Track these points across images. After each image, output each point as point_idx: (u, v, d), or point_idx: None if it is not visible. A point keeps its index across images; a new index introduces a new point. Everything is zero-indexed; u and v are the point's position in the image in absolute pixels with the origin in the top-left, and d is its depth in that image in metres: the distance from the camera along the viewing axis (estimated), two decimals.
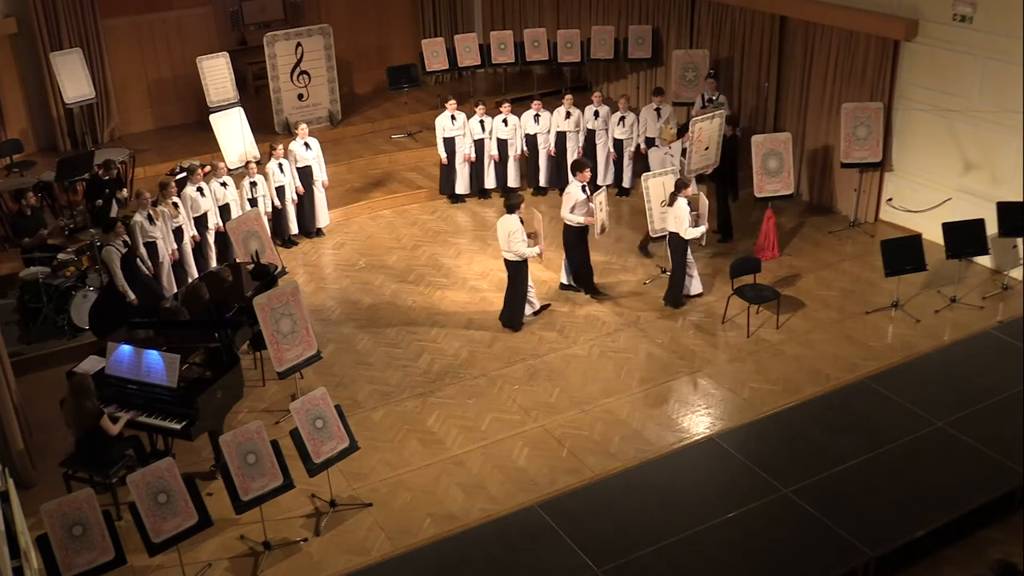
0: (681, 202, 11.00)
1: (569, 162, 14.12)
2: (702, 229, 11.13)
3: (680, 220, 11.00)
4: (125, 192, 12.92)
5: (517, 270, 10.98)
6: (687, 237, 11.05)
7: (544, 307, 11.46)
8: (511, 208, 10.85)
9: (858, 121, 12.42)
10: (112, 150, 14.25)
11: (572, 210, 11.32)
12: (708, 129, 12.15)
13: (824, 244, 12.72)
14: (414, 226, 13.79)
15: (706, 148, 12.23)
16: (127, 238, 10.70)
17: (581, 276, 11.74)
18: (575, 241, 11.55)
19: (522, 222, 10.81)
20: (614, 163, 14.27)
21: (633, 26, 15.84)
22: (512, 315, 11.14)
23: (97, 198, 12.37)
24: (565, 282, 11.84)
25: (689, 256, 11.35)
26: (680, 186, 11.06)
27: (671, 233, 11.17)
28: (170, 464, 7.54)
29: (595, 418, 9.61)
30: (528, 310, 11.27)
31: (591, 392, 10.00)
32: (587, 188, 11.30)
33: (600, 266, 12.40)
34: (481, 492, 8.68)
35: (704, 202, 11.34)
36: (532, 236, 10.90)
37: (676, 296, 11.37)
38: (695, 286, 11.53)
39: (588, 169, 11.50)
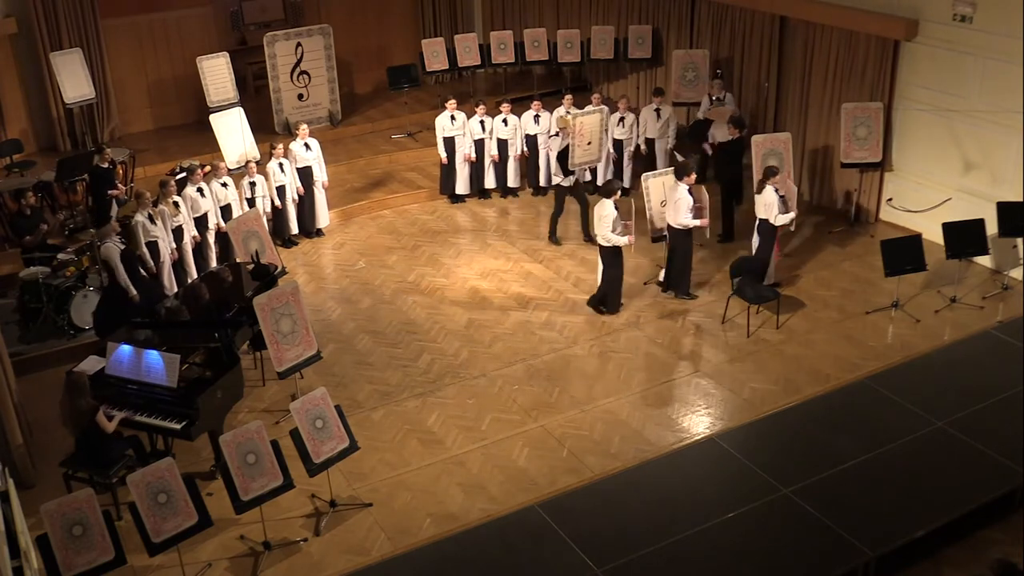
0: (769, 190, 11.08)
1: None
2: (792, 215, 11.23)
3: (770, 207, 11.09)
4: (122, 188, 12.91)
5: (610, 254, 11.08)
6: (777, 224, 11.17)
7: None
8: (607, 193, 10.98)
9: (858, 121, 12.41)
10: (112, 150, 14.20)
11: (684, 214, 11.17)
12: (589, 124, 12.31)
13: (824, 244, 12.72)
14: (414, 226, 13.79)
15: (588, 143, 12.36)
16: (125, 237, 10.69)
17: (681, 274, 11.62)
18: (684, 243, 11.42)
19: (617, 209, 10.88)
20: (614, 163, 14.27)
21: (633, 26, 15.84)
22: (608, 297, 11.22)
23: (103, 189, 12.39)
24: (659, 280, 11.82)
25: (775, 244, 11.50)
26: (769, 174, 11.15)
27: (760, 220, 11.27)
28: (170, 464, 7.54)
29: (595, 418, 9.61)
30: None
31: (591, 392, 10.00)
32: (692, 191, 11.21)
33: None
34: (481, 492, 8.68)
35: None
36: (625, 224, 10.98)
37: (758, 284, 11.43)
38: (771, 275, 11.67)
39: (694, 172, 11.39)
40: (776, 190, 11.10)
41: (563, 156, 12.51)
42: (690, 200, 11.15)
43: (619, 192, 11.01)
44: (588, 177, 13.37)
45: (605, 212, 10.93)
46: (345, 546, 8.14)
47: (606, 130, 14.00)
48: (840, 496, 8.30)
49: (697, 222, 11.22)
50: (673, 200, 11.14)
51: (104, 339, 9.47)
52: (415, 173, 15.10)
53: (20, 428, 8.84)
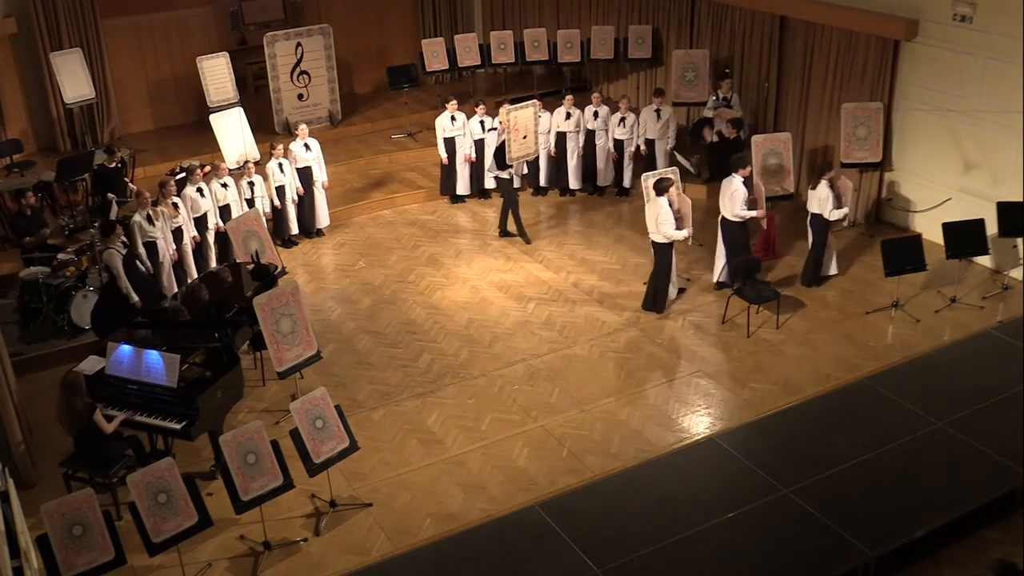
0: (823, 185, 11.17)
1: (569, 161, 14.20)
2: (845, 211, 11.35)
3: (823, 203, 11.18)
4: (132, 186, 12.91)
5: (663, 252, 11.09)
6: (831, 219, 11.26)
7: (681, 290, 11.62)
8: (660, 190, 10.97)
9: (858, 121, 12.42)
10: (109, 145, 14.23)
11: (740, 206, 11.22)
12: (523, 118, 12.55)
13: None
14: (414, 226, 13.79)
15: (524, 137, 12.55)
16: (125, 239, 10.70)
17: (750, 265, 11.59)
18: (739, 236, 11.43)
19: (671, 204, 10.91)
20: (614, 163, 14.28)
21: (633, 26, 15.84)
22: (656, 297, 11.26)
23: (106, 189, 12.38)
24: (721, 280, 11.66)
25: (829, 237, 11.56)
26: (825, 169, 11.23)
27: (814, 215, 11.35)
28: (170, 464, 7.54)
29: (595, 418, 9.61)
30: (672, 292, 11.41)
31: (591, 392, 10.00)
32: (747, 183, 11.29)
33: (600, 266, 12.43)
34: (481, 492, 8.68)
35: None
36: (680, 219, 11.02)
37: (813, 275, 11.54)
38: (832, 267, 11.77)
39: (749, 165, 11.44)
40: (830, 186, 11.20)
41: (500, 152, 12.73)
42: (745, 192, 11.20)
43: (672, 190, 11.03)
44: (525, 170, 13.51)
45: (663, 209, 10.92)
46: (345, 546, 8.14)
47: (606, 130, 14.08)
48: (840, 496, 8.30)
49: (753, 213, 11.27)
50: (729, 192, 11.18)
51: (104, 339, 9.47)
52: (415, 173, 15.10)
53: (20, 428, 8.84)
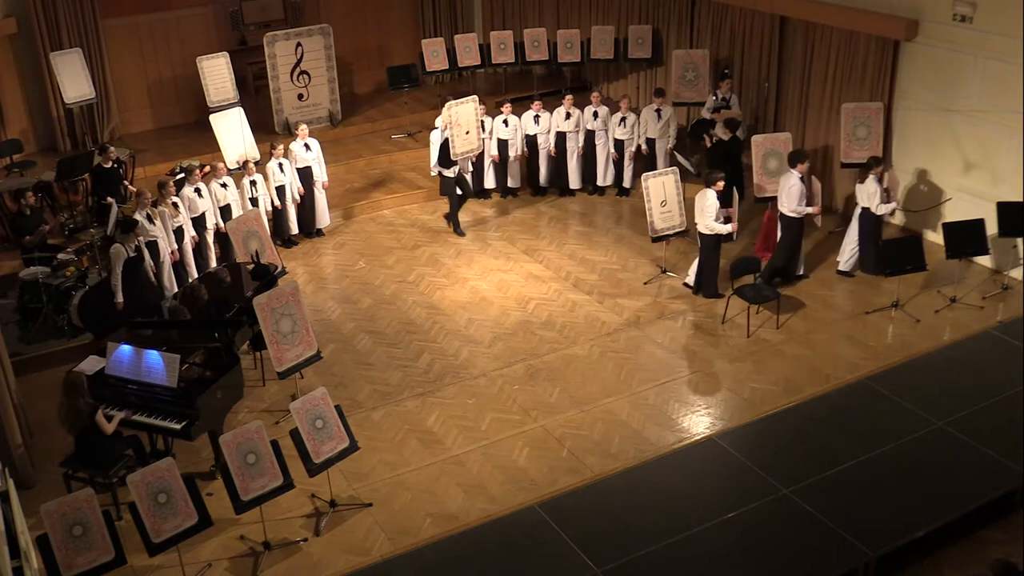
0: (871, 179, 11.26)
1: (569, 161, 14.20)
2: (893, 205, 11.45)
3: (871, 196, 11.29)
4: (131, 187, 12.90)
5: (710, 243, 11.21)
6: (878, 212, 11.37)
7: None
8: (709, 183, 11.09)
9: (858, 121, 12.41)
10: (115, 150, 14.19)
11: (799, 202, 11.30)
12: (465, 113, 12.72)
13: (824, 244, 12.70)
14: (414, 226, 13.79)
15: (467, 132, 12.74)
16: (138, 243, 10.64)
17: (791, 261, 11.70)
18: (795, 230, 11.49)
19: (718, 196, 11.01)
20: (614, 163, 14.28)
21: (633, 26, 15.84)
22: (707, 284, 11.42)
23: (104, 191, 12.37)
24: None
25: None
26: (872, 164, 11.31)
27: (863, 208, 11.45)
28: (170, 464, 7.55)
29: (595, 418, 9.61)
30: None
31: (591, 392, 10.00)
32: (805, 180, 11.37)
33: (600, 266, 12.43)
34: (481, 492, 8.68)
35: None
36: (728, 213, 11.15)
37: (875, 265, 11.60)
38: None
39: (807, 160, 11.51)
40: (879, 180, 11.26)
41: (444, 150, 12.82)
42: (803, 187, 11.26)
43: (722, 182, 11.13)
44: (470, 168, 13.63)
45: (708, 202, 11.03)
46: (345, 546, 8.14)
47: (606, 130, 14.08)
48: (840, 496, 8.30)
49: (809, 210, 11.35)
50: (787, 188, 11.24)
51: (96, 335, 9.46)
52: (415, 173, 15.09)
53: (20, 428, 8.84)
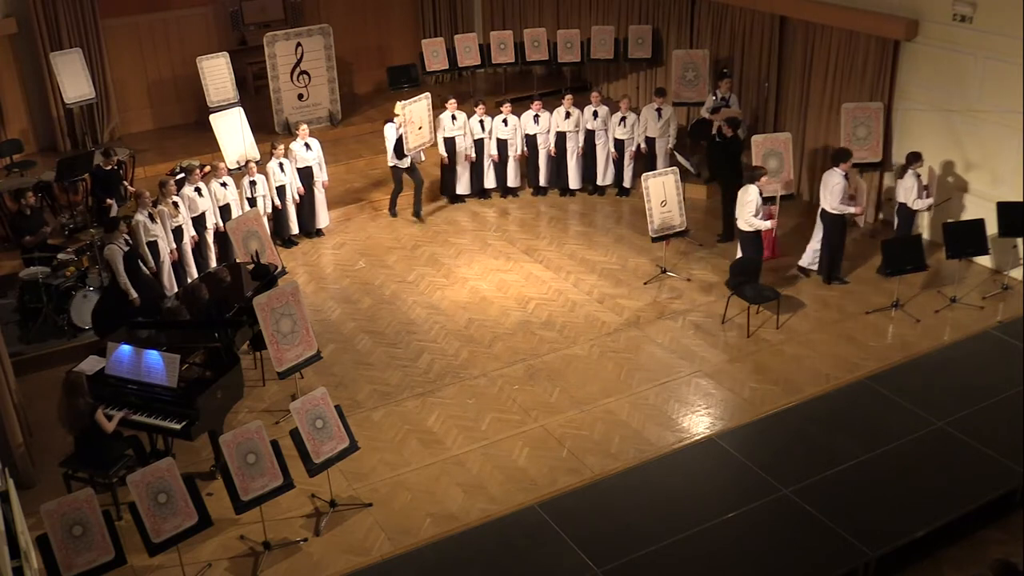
0: (910, 175, 11.32)
1: (569, 161, 14.20)
2: (930, 201, 11.47)
3: (908, 192, 11.40)
4: (131, 188, 12.90)
5: (750, 239, 11.27)
6: (915, 208, 11.43)
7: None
8: (752, 179, 11.16)
9: (858, 121, 12.41)
10: (107, 147, 14.22)
11: (841, 200, 11.36)
12: (418, 110, 13.34)
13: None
14: (414, 226, 13.79)
15: (419, 128, 13.42)
16: (128, 237, 10.70)
17: (833, 261, 11.73)
18: (837, 228, 11.53)
19: (761, 194, 11.09)
20: (614, 163, 14.28)
21: (633, 26, 15.83)
22: (747, 278, 11.29)
23: (104, 192, 12.36)
24: (803, 265, 11.93)
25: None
26: (912, 160, 11.34)
27: (900, 204, 11.50)
28: (170, 464, 7.54)
29: (595, 418, 9.61)
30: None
31: (591, 392, 10.00)
32: (848, 177, 11.42)
33: (600, 266, 12.43)
34: (481, 492, 8.68)
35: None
36: (769, 209, 11.24)
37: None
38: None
39: (851, 159, 11.54)
40: (918, 176, 11.32)
41: (400, 144, 13.41)
42: (846, 185, 11.31)
43: (765, 177, 11.22)
44: (422, 158, 13.96)
45: (749, 197, 11.08)
46: (345, 546, 8.14)
47: (606, 130, 14.08)
48: (840, 496, 8.30)
49: (851, 209, 11.39)
50: (830, 186, 11.27)
51: (104, 339, 9.47)
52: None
53: (20, 428, 8.84)
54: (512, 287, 12.05)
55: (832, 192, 11.28)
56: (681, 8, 15.33)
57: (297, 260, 12.90)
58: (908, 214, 11.58)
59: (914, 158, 11.40)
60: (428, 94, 13.70)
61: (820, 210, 11.54)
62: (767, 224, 11.24)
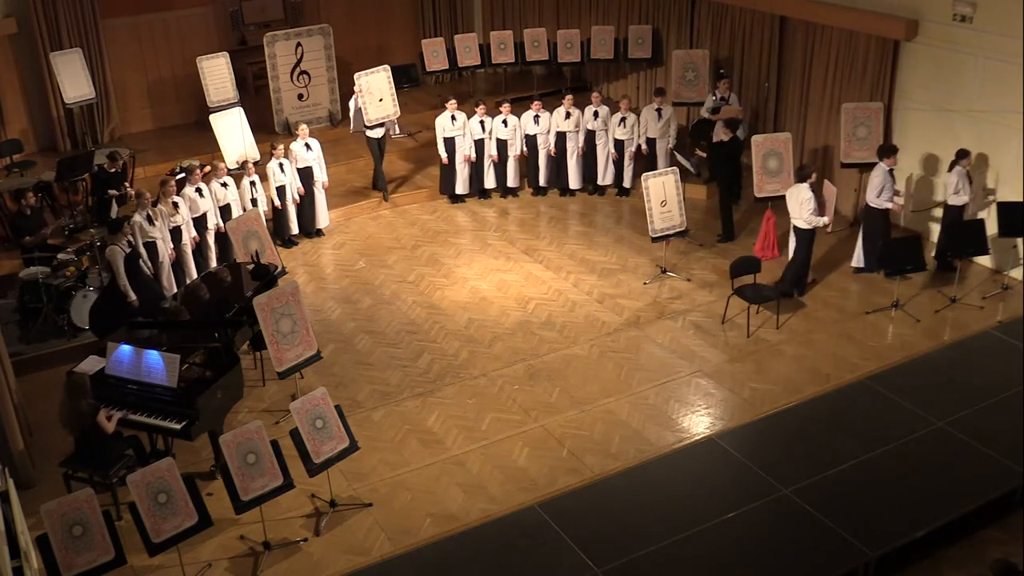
0: (957, 171, 11.35)
1: (569, 161, 14.21)
2: (966, 199, 11.46)
3: (947, 187, 11.50)
4: (130, 189, 12.91)
5: (805, 238, 11.26)
6: (950, 202, 11.50)
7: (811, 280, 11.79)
8: (802, 177, 11.20)
9: (858, 121, 12.41)
10: (112, 150, 14.23)
11: (879, 194, 11.44)
12: (376, 82, 13.71)
13: (824, 244, 12.69)
14: (414, 226, 13.79)
15: (380, 100, 13.73)
16: (131, 238, 10.70)
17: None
18: (879, 224, 11.60)
19: (814, 192, 11.13)
20: (614, 163, 14.27)
21: (633, 26, 15.84)
22: (795, 280, 11.43)
23: (104, 192, 12.35)
24: (859, 266, 11.93)
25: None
26: (959, 156, 11.34)
27: (947, 205, 11.52)
28: (170, 464, 7.54)
29: (595, 418, 9.61)
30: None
31: (591, 392, 10.00)
32: (893, 173, 11.48)
33: (600, 266, 12.43)
34: (481, 492, 8.68)
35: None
36: (822, 207, 11.27)
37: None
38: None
39: (896, 154, 11.56)
40: (967, 173, 11.37)
41: (359, 113, 13.83)
42: (890, 180, 11.38)
43: (814, 176, 11.30)
44: (397, 131, 14.66)
45: (806, 195, 11.11)
46: (345, 546, 8.14)
47: (606, 130, 14.07)
48: (840, 496, 8.30)
49: (889, 204, 11.47)
50: (873, 180, 11.40)
51: (103, 339, 9.46)
52: (415, 173, 15.09)
53: (20, 428, 8.84)
54: (512, 287, 12.05)
55: (874, 187, 11.40)
56: (681, 8, 15.33)
57: (297, 260, 12.90)
58: (954, 211, 11.54)
59: (963, 154, 11.34)
60: (387, 66, 14.01)
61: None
62: (824, 219, 11.27)
